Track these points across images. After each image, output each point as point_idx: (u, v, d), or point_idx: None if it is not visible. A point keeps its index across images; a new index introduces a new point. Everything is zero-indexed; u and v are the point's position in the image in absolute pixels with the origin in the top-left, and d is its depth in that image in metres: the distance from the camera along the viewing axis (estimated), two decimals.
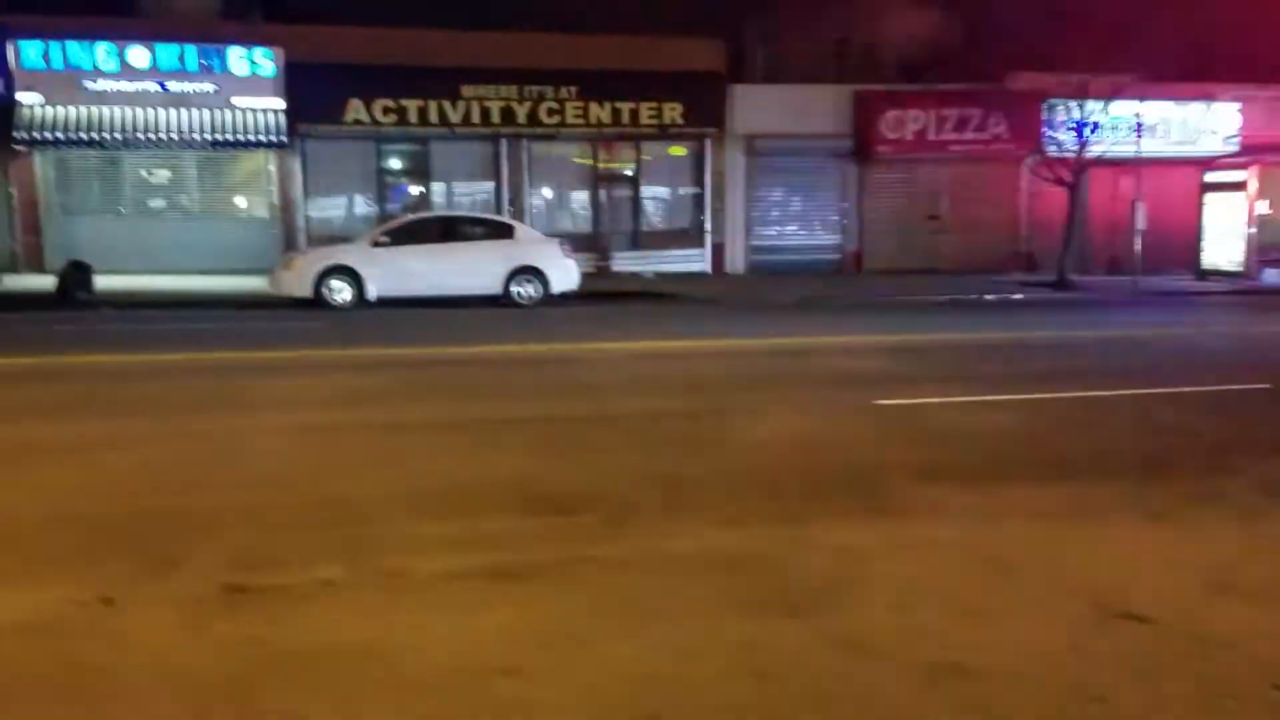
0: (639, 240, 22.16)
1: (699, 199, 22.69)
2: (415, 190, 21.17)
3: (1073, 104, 21.11)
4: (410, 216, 16.48)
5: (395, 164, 21.23)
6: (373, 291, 14.70)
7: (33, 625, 3.46)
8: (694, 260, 22.22)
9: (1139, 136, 20.73)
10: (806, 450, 6.05)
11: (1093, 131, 20.72)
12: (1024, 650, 3.30)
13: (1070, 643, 3.36)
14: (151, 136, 18.23)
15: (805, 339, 11.66)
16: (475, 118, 20.49)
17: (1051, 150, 21.60)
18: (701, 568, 4.02)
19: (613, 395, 7.90)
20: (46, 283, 15.63)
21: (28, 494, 5.07)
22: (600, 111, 20.95)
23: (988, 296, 18.00)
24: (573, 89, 20.74)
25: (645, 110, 21.19)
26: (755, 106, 21.74)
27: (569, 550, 4.20)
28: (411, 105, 20.08)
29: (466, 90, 20.32)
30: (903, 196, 22.89)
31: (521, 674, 3.15)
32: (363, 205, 20.91)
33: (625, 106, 21.02)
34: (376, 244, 15.01)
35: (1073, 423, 7.04)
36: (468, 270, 15.14)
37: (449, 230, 15.65)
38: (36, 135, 17.98)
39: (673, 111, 21.32)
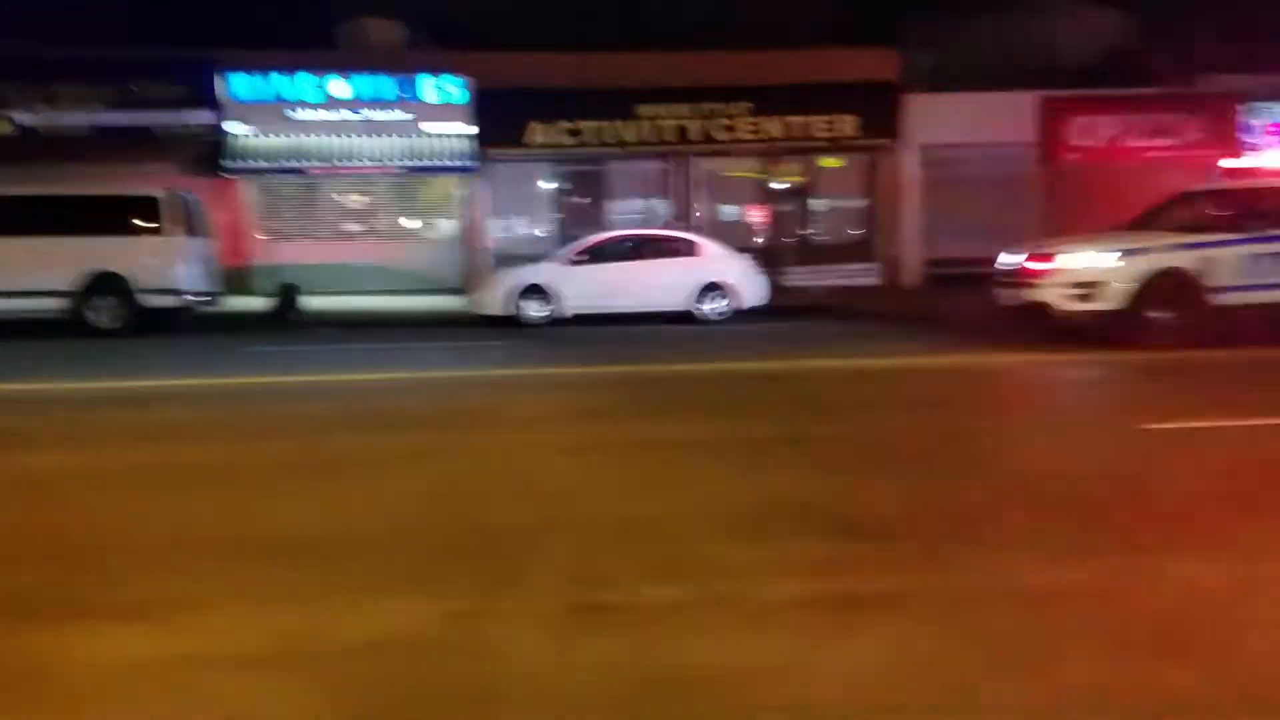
0: (810, 254, 21.97)
1: (870, 211, 22.36)
2: (591, 209, 21.55)
3: (1275, 106, 19.94)
4: (602, 235, 16.74)
5: (572, 184, 21.68)
6: (566, 309, 15.02)
7: (404, 641, 3.56)
8: (865, 273, 21.87)
9: None
10: (1091, 478, 5.78)
11: None
12: None
13: None
14: (349, 163, 19.15)
15: (1020, 355, 11.21)
16: (649, 137, 20.74)
17: (1254, 155, 20.38)
18: (1046, 602, 3.86)
19: (855, 414, 7.80)
20: (256, 304, 16.59)
21: (349, 506, 5.29)
22: (773, 126, 20.90)
23: None
24: (745, 105, 20.76)
25: (818, 123, 21.02)
26: (931, 115, 21.23)
27: (897, 580, 4.09)
28: (589, 126, 20.48)
29: (641, 110, 20.58)
30: (1089, 205, 21.94)
31: (908, 712, 3.08)
32: (543, 225, 21.42)
33: (798, 120, 20.91)
34: (571, 262, 15.37)
35: None
36: (658, 286, 15.30)
37: (639, 248, 15.86)
38: (244, 163, 19.13)
39: (845, 123, 21.08)
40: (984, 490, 5.51)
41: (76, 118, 18.85)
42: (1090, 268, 11.24)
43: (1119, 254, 11.21)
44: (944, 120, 21.09)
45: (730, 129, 20.86)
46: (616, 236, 16.60)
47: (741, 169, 21.99)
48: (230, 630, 3.64)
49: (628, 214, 21.46)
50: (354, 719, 3.05)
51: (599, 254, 15.49)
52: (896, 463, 6.19)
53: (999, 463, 6.29)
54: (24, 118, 18.86)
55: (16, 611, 3.80)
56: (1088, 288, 11.12)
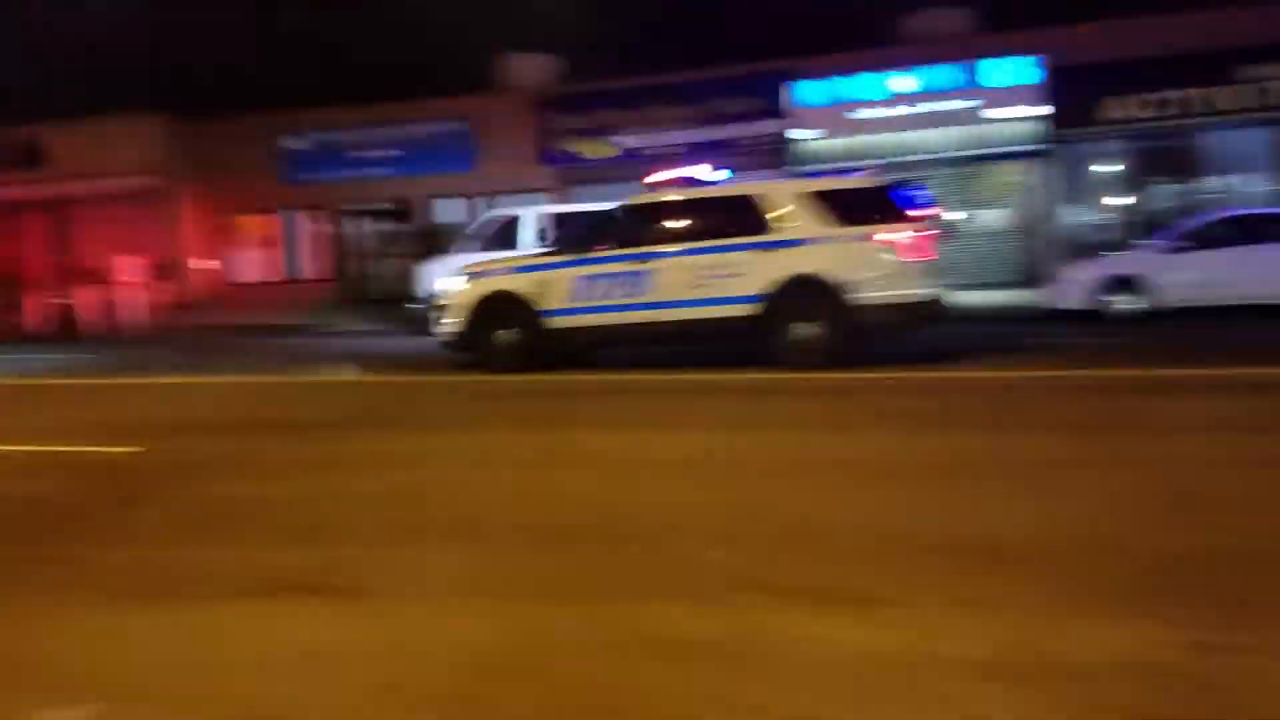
0: None
1: None
2: (1178, 189, 19.25)
3: None
4: (1212, 215, 14.65)
5: (1154, 161, 19.52)
6: (1166, 301, 13.39)
7: (1147, 668, 3.19)
8: None
9: None
10: None
11: None
12: None
13: None
14: (913, 158, 19.08)
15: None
16: (1252, 102, 18.05)
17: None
18: None
19: None
20: None
21: (1035, 512, 4.94)
22: None
23: None
24: None
25: None
26: None
27: None
28: (1175, 96, 18.36)
29: (1243, 72, 17.98)
30: None
31: None
32: (1120, 209, 19.62)
33: None
34: (1171, 249, 13.75)
35: None
36: None
37: (1259, 229, 13.64)
38: (808, 167, 19.89)
39: None
40: None
41: (666, 137, 20.95)
42: (445, 290, 11.58)
43: (466, 276, 11.23)
44: None
45: None
46: (1229, 217, 14.37)
47: None
48: (947, 632, 3.53)
49: (1224, 192, 18.77)
50: None
51: (1207, 238, 13.62)
52: None
53: None
54: (623, 140, 21.40)
55: (755, 587, 4.04)
56: (444, 310, 11.39)
